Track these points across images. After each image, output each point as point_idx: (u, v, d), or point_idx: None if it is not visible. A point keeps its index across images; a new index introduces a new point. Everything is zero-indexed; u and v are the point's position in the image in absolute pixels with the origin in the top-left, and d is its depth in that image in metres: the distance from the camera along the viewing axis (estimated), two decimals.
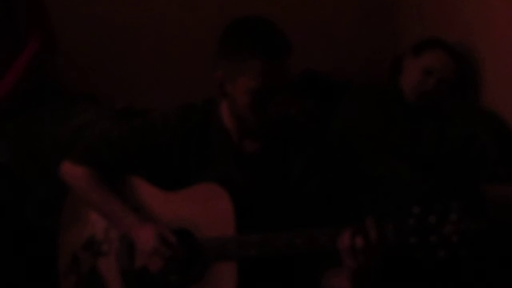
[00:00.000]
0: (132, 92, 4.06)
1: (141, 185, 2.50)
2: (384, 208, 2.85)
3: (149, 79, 4.13)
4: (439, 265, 2.53)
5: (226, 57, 2.26)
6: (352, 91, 3.59)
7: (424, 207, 2.03)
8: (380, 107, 3.38)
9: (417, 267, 2.66)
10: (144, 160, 2.48)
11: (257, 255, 2.22)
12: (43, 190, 3.15)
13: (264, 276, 2.34)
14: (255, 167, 2.40)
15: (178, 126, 2.44)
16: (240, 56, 2.20)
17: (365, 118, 3.35)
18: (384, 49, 4.38)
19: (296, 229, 2.18)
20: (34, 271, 3.00)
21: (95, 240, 2.55)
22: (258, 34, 2.22)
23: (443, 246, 2.00)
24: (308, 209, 2.34)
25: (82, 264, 2.56)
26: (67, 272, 2.59)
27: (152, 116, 2.48)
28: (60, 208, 2.67)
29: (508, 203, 2.98)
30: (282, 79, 2.21)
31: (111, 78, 4.06)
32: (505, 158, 3.16)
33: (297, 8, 4.22)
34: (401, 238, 2.03)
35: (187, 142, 2.44)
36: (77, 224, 2.61)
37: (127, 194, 2.49)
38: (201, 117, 2.45)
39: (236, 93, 2.26)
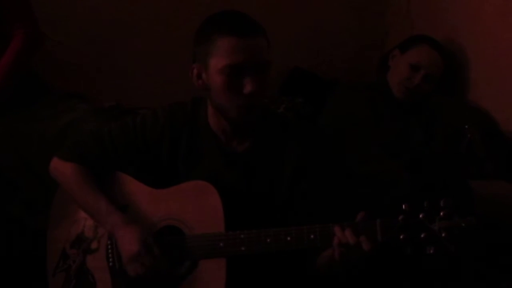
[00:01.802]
0: (120, 91, 4.05)
1: (130, 182, 2.49)
2: (374, 205, 2.86)
3: (137, 78, 4.12)
4: (429, 261, 2.55)
5: (197, 45, 2.29)
6: (340, 88, 3.60)
7: (413, 204, 2.05)
8: (368, 105, 3.38)
9: (407, 264, 2.67)
10: (134, 158, 2.48)
11: (246, 252, 2.23)
12: (31, 188, 3.15)
13: (253, 273, 2.35)
14: (245, 166, 2.40)
15: (167, 125, 2.44)
16: (209, 39, 2.23)
17: (354, 115, 3.35)
18: (372, 47, 4.39)
19: (286, 226, 2.19)
20: (22, 269, 3.00)
21: (84, 237, 2.54)
22: (225, 17, 2.28)
23: (433, 243, 2.03)
24: (299, 206, 2.35)
25: (71, 261, 2.55)
26: (56, 269, 2.58)
27: (142, 115, 2.49)
28: (48, 206, 2.65)
29: (495, 199, 2.99)
30: (253, 56, 2.21)
31: (99, 76, 4.05)
32: (492, 155, 3.17)
33: (285, 6, 4.21)
34: (391, 234, 2.05)
35: (176, 141, 2.44)
36: (66, 221, 2.60)
37: (116, 191, 2.48)
38: (190, 116, 2.46)
39: (210, 78, 2.26)
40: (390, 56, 3.56)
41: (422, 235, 2.03)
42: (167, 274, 2.31)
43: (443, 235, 2.00)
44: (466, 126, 3.19)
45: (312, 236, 2.14)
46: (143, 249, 2.26)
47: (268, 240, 2.19)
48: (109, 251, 2.46)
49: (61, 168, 2.50)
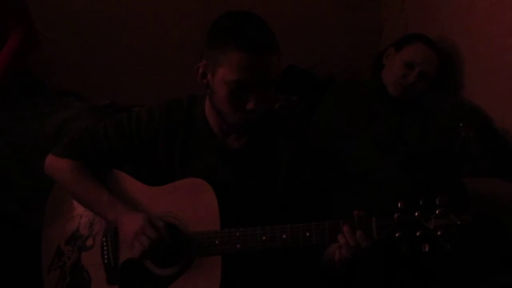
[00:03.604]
0: (115, 89, 4.06)
1: (126, 179, 2.49)
2: (369, 202, 2.86)
3: (132, 76, 4.13)
4: (424, 259, 2.55)
5: (209, 47, 2.27)
6: (335, 86, 3.60)
7: (409, 202, 2.05)
8: (363, 102, 3.38)
9: (402, 262, 2.68)
10: (129, 155, 2.48)
11: (242, 249, 2.23)
12: (26, 186, 3.14)
13: (249, 270, 2.35)
14: (240, 163, 2.40)
15: (163, 122, 2.44)
16: (222, 47, 2.20)
17: (349, 113, 3.35)
18: (367, 45, 4.40)
19: (281, 224, 2.20)
20: (17, 266, 2.99)
21: (79, 234, 2.55)
22: (242, 28, 2.22)
23: (428, 241, 2.03)
24: (294, 203, 2.35)
25: (66, 258, 2.55)
26: (50, 266, 2.58)
27: (137, 112, 2.48)
28: (44, 204, 2.65)
29: (489, 197, 3.00)
30: (262, 75, 2.20)
31: (94, 74, 4.05)
32: (487, 152, 3.18)
33: (280, 4, 4.22)
34: (387, 232, 2.06)
35: (172, 138, 2.44)
36: (61, 219, 2.60)
37: (112, 189, 2.47)
38: (185, 113, 2.45)
39: (215, 84, 2.25)
40: (384, 54, 3.57)
41: (417, 233, 2.03)
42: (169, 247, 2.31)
43: (438, 233, 2.01)
44: (461, 124, 3.19)
45: (307, 234, 2.15)
46: (147, 223, 2.28)
47: (264, 237, 2.20)
48: (104, 248, 2.47)
49: (57, 165, 2.50)
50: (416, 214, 2.04)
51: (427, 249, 2.04)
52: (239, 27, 2.22)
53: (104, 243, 2.47)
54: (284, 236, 2.18)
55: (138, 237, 2.28)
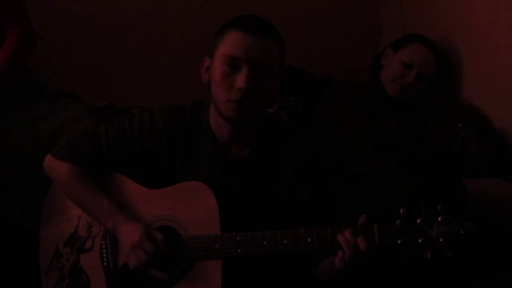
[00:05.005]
0: (114, 90, 4.05)
1: (125, 181, 2.48)
2: (369, 205, 2.86)
3: (131, 77, 4.12)
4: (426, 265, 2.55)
5: (213, 39, 2.31)
6: (333, 87, 3.60)
7: (410, 208, 2.05)
8: (362, 103, 3.38)
9: (404, 268, 2.68)
10: (130, 160, 2.46)
11: (243, 254, 2.22)
12: (25, 188, 3.13)
13: (249, 275, 2.34)
14: (242, 173, 2.39)
15: (165, 129, 2.42)
16: (221, 33, 2.26)
17: (347, 114, 3.35)
18: (365, 46, 4.40)
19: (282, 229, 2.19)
20: (16, 268, 2.99)
21: (77, 236, 2.53)
22: (243, 17, 2.29)
23: (430, 248, 2.03)
24: (296, 213, 2.34)
25: (64, 260, 2.54)
26: (49, 268, 2.58)
27: (139, 117, 2.46)
28: (41, 204, 2.64)
29: (489, 197, 3.01)
30: (254, 55, 2.21)
31: (93, 76, 4.05)
32: (486, 152, 3.18)
33: (278, 5, 4.22)
34: (389, 239, 2.05)
35: (173, 145, 2.42)
36: (59, 220, 2.59)
37: (111, 191, 2.47)
38: (188, 121, 2.44)
39: (213, 69, 2.28)
40: (383, 55, 3.57)
41: (419, 240, 2.03)
42: (171, 260, 2.30)
43: (440, 240, 2.01)
44: (460, 124, 3.19)
45: (309, 239, 2.14)
46: (145, 236, 2.27)
47: (265, 242, 2.19)
48: (103, 250, 2.45)
49: (57, 167, 2.49)
50: (418, 221, 2.05)
51: (429, 256, 2.04)
52: (241, 17, 2.29)
53: (103, 245, 2.46)
54: (285, 241, 2.17)
55: (135, 250, 2.28)
